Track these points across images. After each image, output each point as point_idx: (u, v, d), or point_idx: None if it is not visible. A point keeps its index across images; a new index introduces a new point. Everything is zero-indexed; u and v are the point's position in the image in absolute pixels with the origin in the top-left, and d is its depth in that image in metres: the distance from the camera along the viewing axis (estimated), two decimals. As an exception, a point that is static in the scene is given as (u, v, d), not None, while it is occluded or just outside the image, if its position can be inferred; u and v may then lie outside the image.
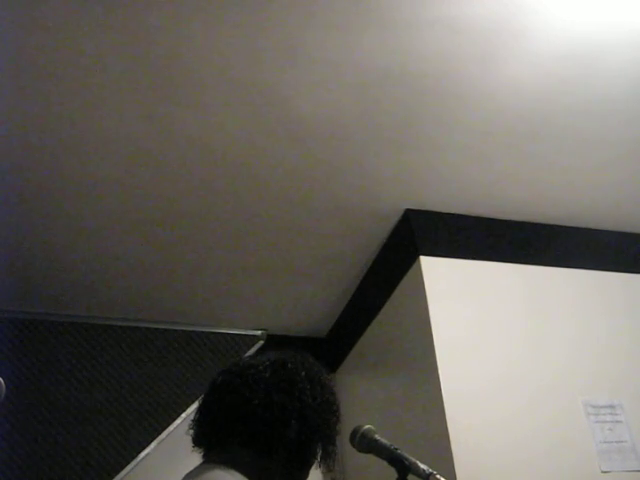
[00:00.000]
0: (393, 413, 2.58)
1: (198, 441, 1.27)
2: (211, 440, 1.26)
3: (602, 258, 2.75)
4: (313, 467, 1.28)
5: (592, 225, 2.80)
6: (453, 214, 2.61)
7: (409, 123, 2.17)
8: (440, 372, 2.21)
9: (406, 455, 1.24)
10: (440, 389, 2.17)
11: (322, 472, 1.28)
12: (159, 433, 2.96)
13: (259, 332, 3.31)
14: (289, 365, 1.29)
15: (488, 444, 2.12)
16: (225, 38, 1.81)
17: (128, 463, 2.87)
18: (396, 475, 1.23)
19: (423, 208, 2.57)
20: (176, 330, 3.17)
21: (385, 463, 1.26)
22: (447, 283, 2.43)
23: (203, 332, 3.21)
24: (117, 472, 2.84)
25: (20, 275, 2.72)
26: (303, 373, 1.28)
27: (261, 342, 3.30)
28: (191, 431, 1.29)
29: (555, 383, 2.33)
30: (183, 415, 3.02)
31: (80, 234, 2.52)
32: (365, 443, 1.31)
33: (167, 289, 2.93)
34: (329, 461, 1.27)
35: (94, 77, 1.88)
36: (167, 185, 2.32)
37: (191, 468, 1.22)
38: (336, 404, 1.31)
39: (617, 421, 2.30)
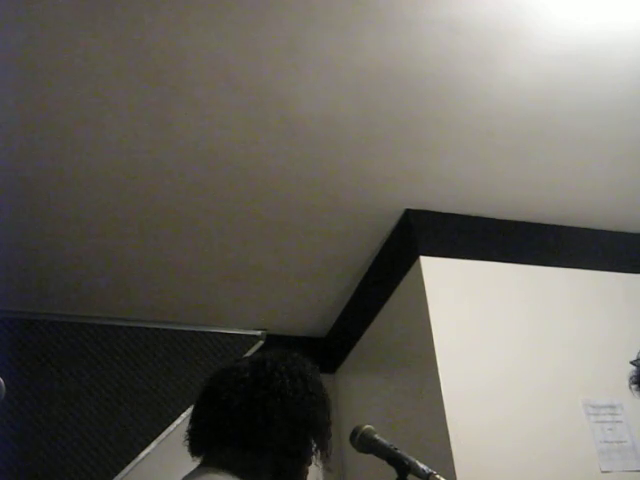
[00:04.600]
0: (393, 413, 2.58)
1: (194, 450, 1.29)
2: (204, 446, 1.27)
3: (602, 258, 2.75)
4: (310, 460, 1.28)
5: (592, 225, 2.80)
6: (453, 214, 2.62)
7: (409, 123, 2.17)
8: (440, 372, 2.21)
9: (406, 455, 1.24)
10: (440, 389, 2.17)
11: (316, 464, 1.28)
12: (159, 433, 2.96)
13: (259, 332, 3.31)
14: (268, 363, 1.29)
15: (488, 444, 2.12)
16: (224, 38, 1.81)
17: (128, 463, 2.87)
18: (396, 475, 1.23)
19: (423, 208, 2.57)
20: (176, 330, 3.17)
21: (385, 463, 1.26)
22: (447, 283, 2.43)
23: (203, 332, 3.22)
24: (117, 472, 2.84)
25: (20, 275, 2.72)
26: (283, 368, 1.29)
27: (261, 342, 3.30)
28: (187, 442, 1.30)
29: (555, 383, 2.33)
30: (183, 415, 3.02)
31: (80, 234, 2.52)
32: (365, 443, 1.31)
33: (167, 289, 2.94)
34: (323, 453, 1.27)
35: (94, 77, 1.88)
36: (166, 185, 2.32)
37: (190, 468, 1.23)
38: (321, 395, 1.31)
39: (617, 421, 2.30)
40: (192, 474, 1.21)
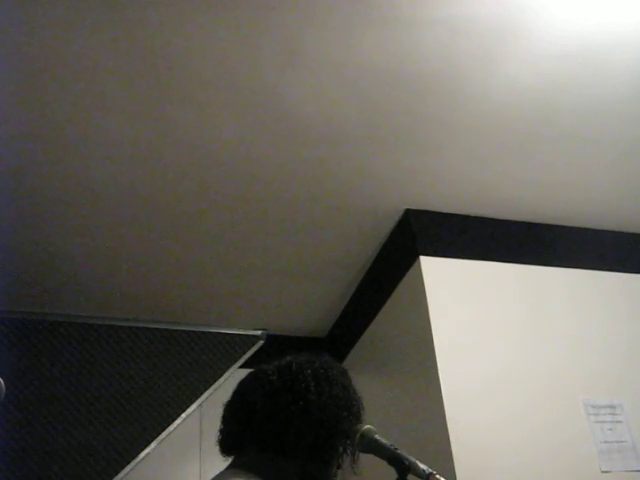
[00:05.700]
0: (393, 413, 2.58)
1: (224, 450, 1.31)
2: (232, 447, 1.29)
3: (602, 258, 2.75)
4: (338, 464, 1.28)
5: (592, 225, 2.80)
6: (453, 214, 2.61)
7: (409, 123, 2.17)
8: (440, 372, 2.20)
9: (406, 455, 1.24)
10: (440, 389, 2.17)
11: (343, 468, 1.28)
12: (159, 433, 2.96)
13: (259, 332, 3.31)
14: (294, 366, 1.30)
15: (488, 444, 2.12)
16: (225, 38, 1.81)
17: (128, 463, 2.87)
18: (396, 475, 1.23)
19: (423, 208, 2.57)
20: (176, 330, 3.17)
21: (385, 463, 1.26)
22: (447, 283, 2.43)
23: (203, 332, 3.21)
24: (117, 472, 2.84)
25: (20, 275, 2.72)
26: (309, 371, 1.29)
27: (261, 342, 3.30)
28: (217, 442, 1.31)
29: (555, 383, 2.33)
30: (183, 415, 3.02)
31: (80, 234, 2.52)
32: (365, 443, 1.31)
33: (167, 289, 2.94)
34: (351, 457, 1.27)
35: (93, 77, 1.88)
36: (166, 185, 2.32)
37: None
38: (348, 399, 1.30)
39: (617, 421, 2.30)
40: (221, 475, 1.21)
